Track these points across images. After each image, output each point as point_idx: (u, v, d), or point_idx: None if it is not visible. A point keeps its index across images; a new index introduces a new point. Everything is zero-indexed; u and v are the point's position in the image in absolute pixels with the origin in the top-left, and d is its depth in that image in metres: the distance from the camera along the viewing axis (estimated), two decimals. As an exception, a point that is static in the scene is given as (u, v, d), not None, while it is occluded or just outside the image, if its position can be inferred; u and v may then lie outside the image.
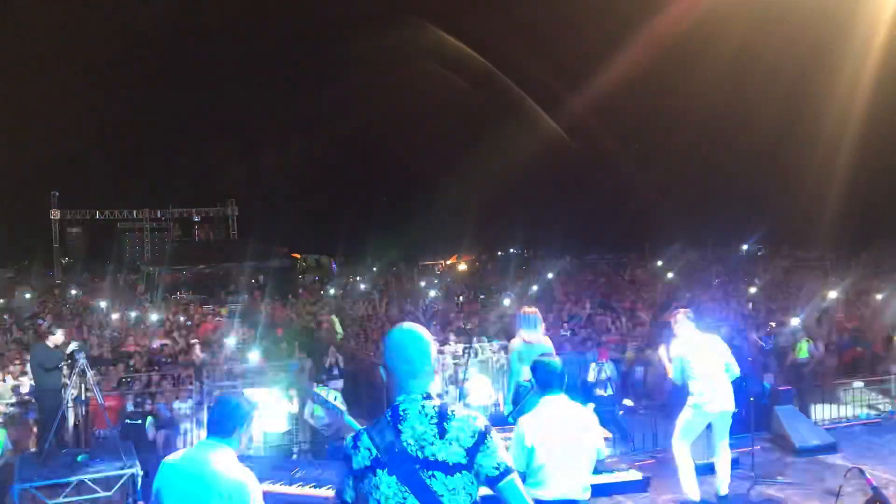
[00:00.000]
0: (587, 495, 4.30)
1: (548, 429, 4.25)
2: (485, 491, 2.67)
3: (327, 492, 5.23)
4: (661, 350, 7.45)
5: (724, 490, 6.73)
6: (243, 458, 6.03)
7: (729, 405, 6.63)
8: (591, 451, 4.36)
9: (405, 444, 2.55)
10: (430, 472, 2.52)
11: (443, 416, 2.59)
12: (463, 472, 2.54)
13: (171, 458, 3.56)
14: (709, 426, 6.85)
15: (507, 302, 22.28)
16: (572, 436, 4.29)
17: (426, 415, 2.59)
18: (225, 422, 3.49)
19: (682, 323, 6.82)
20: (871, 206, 39.14)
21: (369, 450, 2.59)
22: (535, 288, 25.48)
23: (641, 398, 13.41)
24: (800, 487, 7.29)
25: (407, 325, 2.83)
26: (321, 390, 3.65)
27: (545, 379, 4.41)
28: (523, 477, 4.16)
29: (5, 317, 23.77)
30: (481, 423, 2.62)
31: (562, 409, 4.37)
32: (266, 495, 5.47)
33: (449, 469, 2.53)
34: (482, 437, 2.58)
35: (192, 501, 3.33)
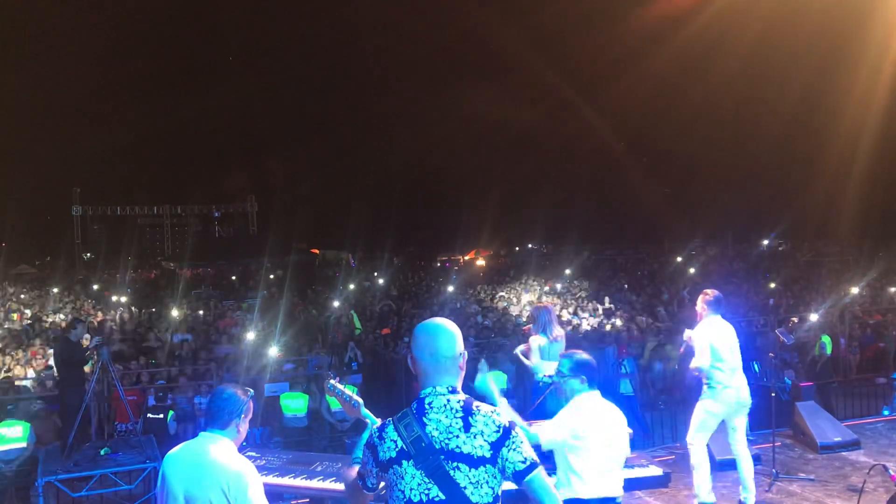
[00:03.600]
0: (622, 493, 4.31)
1: (590, 424, 4.25)
2: (507, 485, 2.69)
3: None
4: (688, 332, 6.81)
5: (751, 501, 6.44)
6: (263, 453, 6.08)
7: (746, 397, 6.41)
8: (623, 448, 4.36)
9: (430, 435, 2.59)
10: (454, 464, 2.56)
11: (468, 411, 2.62)
12: (487, 465, 2.57)
13: (173, 450, 3.61)
14: (723, 425, 6.67)
15: (525, 297, 22.27)
16: (610, 432, 4.29)
17: (451, 408, 2.63)
18: (220, 413, 3.51)
19: (709, 305, 6.49)
20: (893, 201, 38.69)
21: (395, 441, 2.64)
22: (558, 286, 25.37)
23: (661, 393, 13.37)
24: (821, 484, 7.24)
25: (436, 318, 2.86)
26: (337, 382, 3.65)
27: (590, 374, 4.40)
28: (555, 475, 4.18)
29: (27, 311, 24.05)
30: (505, 418, 2.65)
31: (599, 405, 4.37)
32: (287, 489, 5.53)
33: (473, 462, 2.56)
34: (507, 431, 2.61)
35: (193, 491, 3.39)
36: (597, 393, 4.41)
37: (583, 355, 4.51)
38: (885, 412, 10.17)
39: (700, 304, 6.59)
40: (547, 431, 4.32)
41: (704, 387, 6.47)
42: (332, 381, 3.65)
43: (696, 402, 6.63)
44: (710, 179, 53.71)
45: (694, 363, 6.45)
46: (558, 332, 7.32)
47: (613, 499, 4.23)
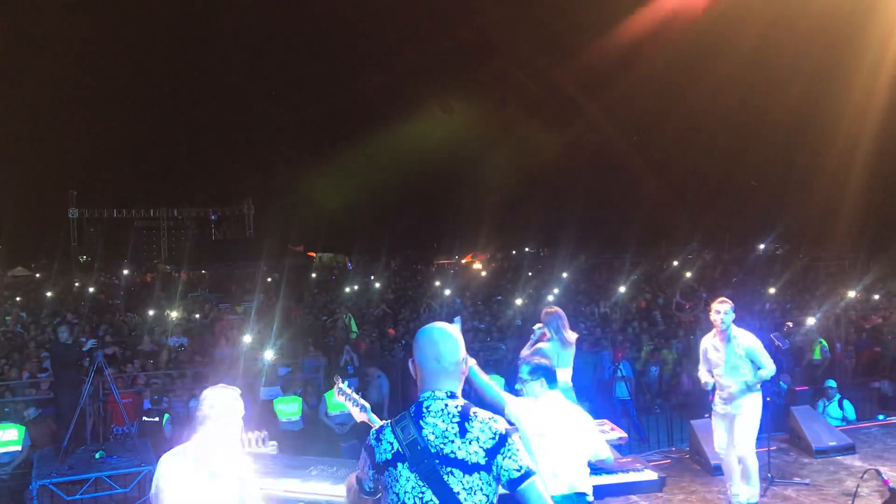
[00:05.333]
0: (590, 489, 4.35)
1: (552, 422, 4.37)
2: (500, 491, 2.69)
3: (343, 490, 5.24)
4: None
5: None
6: (259, 457, 6.06)
7: None
8: (586, 445, 4.43)
9: (426, 439, 2.59)
10: (448, 469, 2.55)
11: (465, 417, 2.62)
12: (481, 472, 2.56)
13: (169, 452, 3.60)
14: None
15: (519, 301, 22.23)
16: (572, 429, 4.40)
17: (448, 413, 2.63)
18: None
19: (731, 313, 6.54)
20: (890, 205, 38.71)
21: (391, 443, 2.64)
22: (556, 291, 25.30)
23: (657, 398, 13.39)
24: (816, 488, 7.25)
25: (439, 323, 2.86)
26: (346, 386, 3.68)
27: (549, 377, 4.56)
28: None
29: (23, 315, 23.96)
30: (502, 425, 2.65)
31: (561, 403, 4.55)
32: (282, 493, 5.52)
33: (467, 468, 2.55)
34: (503, 439, 2.60)
35: (191, 494, 3.38)
36: (558, 392, 4.58)
37: (541, 360, 4.67)
38: (880, 417, 10.19)
39: (728, 313, 6.57)
40: (515, 405, 4.48)
41: (754, 395, 6.45)
42: (341, 385, 3.67)
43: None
44: (708, 183, 53.76)
45: (768, 372, 6.41)
46: (570, 336, 7.08)
47: (583, 494, 4.28)
